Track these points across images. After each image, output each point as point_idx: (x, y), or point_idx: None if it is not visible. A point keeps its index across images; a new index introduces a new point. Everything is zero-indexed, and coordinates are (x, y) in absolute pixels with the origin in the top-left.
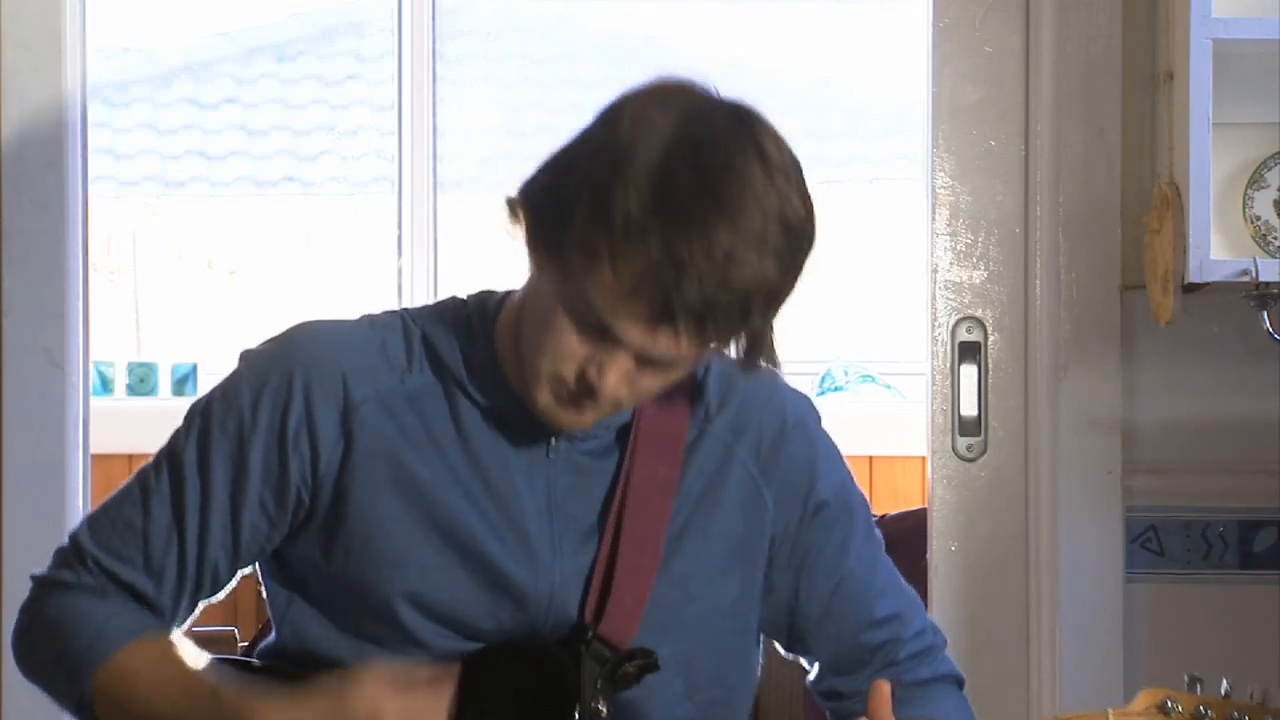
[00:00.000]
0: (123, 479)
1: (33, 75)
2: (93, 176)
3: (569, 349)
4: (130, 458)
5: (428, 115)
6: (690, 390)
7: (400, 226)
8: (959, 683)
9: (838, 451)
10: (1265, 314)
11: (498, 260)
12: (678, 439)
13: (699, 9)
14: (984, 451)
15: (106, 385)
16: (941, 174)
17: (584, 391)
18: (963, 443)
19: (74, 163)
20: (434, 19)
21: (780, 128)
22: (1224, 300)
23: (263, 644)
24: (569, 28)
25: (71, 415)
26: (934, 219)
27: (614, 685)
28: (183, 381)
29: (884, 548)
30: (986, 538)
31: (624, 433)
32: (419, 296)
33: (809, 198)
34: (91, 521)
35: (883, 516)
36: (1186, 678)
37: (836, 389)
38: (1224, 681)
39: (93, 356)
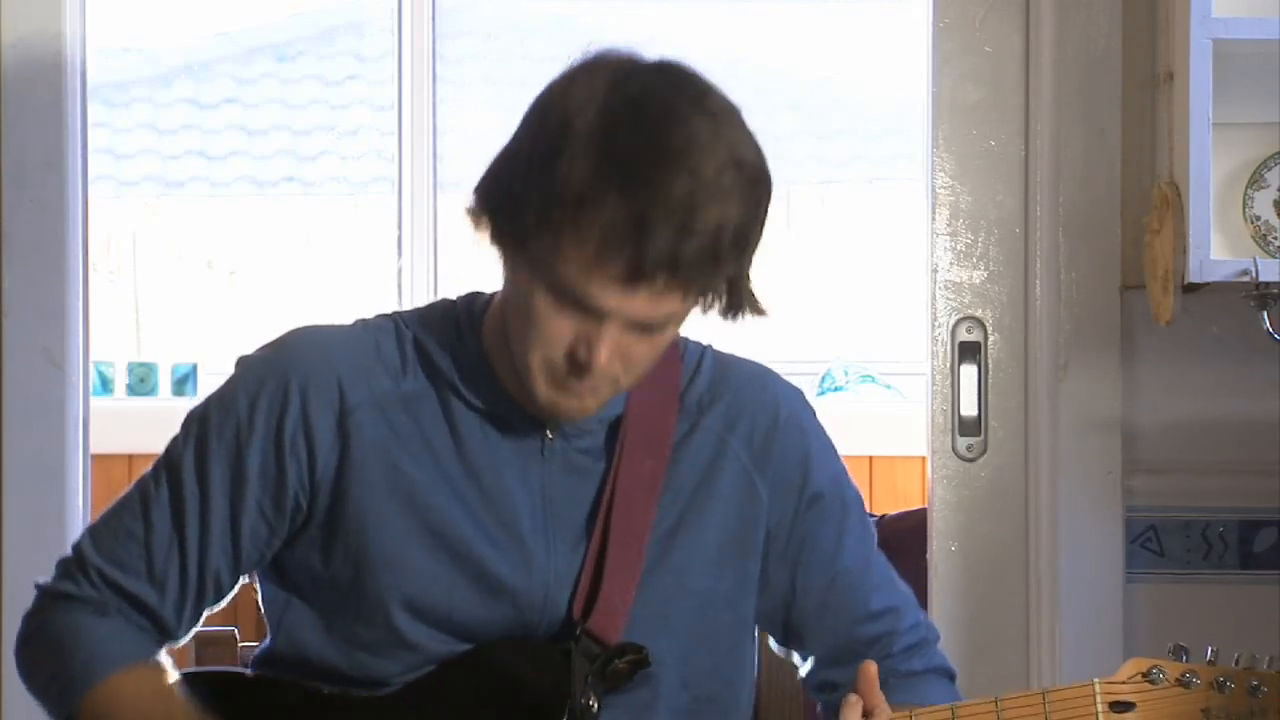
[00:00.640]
0: (123, 479)
1: (33, 75)
2: (93, 176)
3: (555, 332)
4: (130, 458)
5: (428, 115)
6: (678, 388)
7: (400, 227)
8: (950, 676)
9: (831, 444)
10: (1265, 314)
11: (498, 260)
12: (665, 437)
13: (699, 9)
14: (984, 451)
15: (106, 385)
16: (941, 174)
17: (578, 372)
18: (963, 443)
19: (74, 163)
20: (434, 19)
21: (780, 128)
22: (1224, 300)
23: (258, 650)
24: (569, 28)
25: (71, 415)
26: (934, 219)
27: (605, 682)
28: (183, 381)
29: (876, 542)
30: (986, 538)
31: (615, 432)
32: (419, 297)
33: (755, 141)
34: (93, 532)
35: (883, 516)
36: (1171, 647)
37: (836, 389)
38: (1209, 648)
39: (93, 356)
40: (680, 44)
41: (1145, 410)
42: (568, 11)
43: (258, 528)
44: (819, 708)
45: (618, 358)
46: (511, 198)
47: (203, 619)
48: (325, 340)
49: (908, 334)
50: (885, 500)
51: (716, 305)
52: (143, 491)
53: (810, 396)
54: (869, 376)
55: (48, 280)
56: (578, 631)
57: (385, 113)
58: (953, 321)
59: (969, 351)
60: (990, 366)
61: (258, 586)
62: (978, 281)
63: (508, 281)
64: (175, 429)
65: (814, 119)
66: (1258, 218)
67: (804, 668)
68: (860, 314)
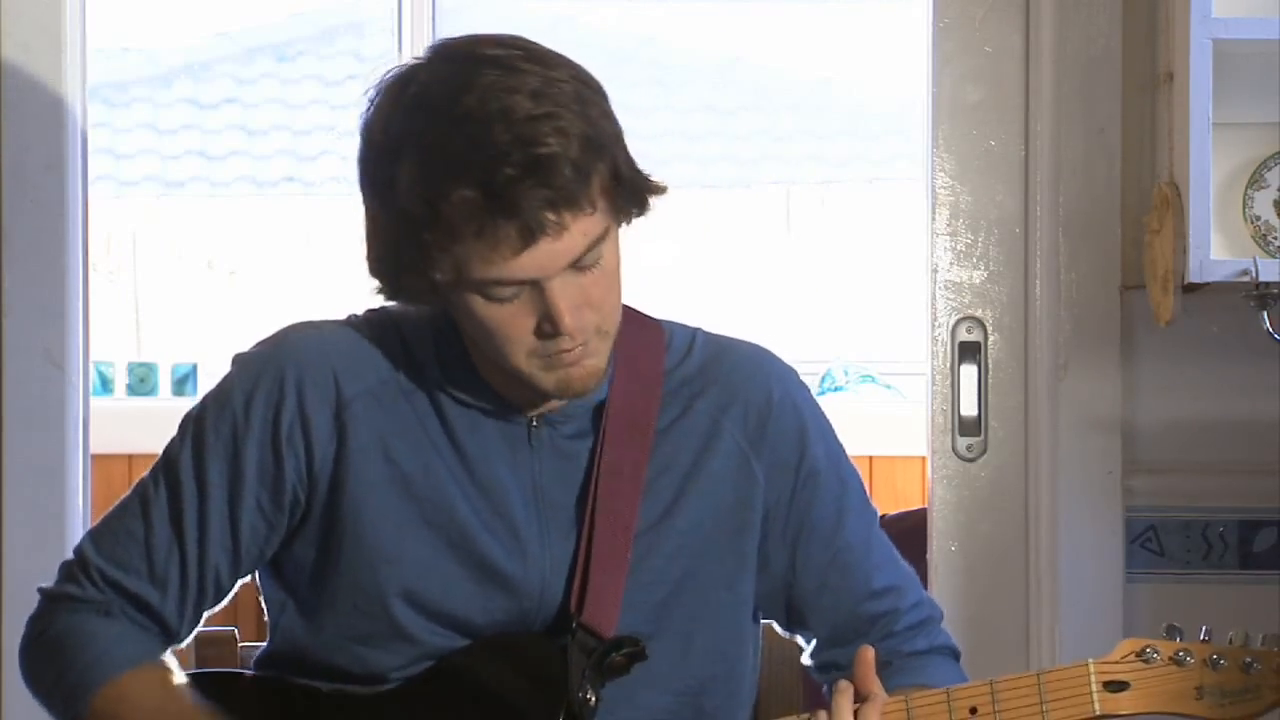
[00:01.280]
0: (123, 479)
1: (33, 75)
2: (93, 176)
3: (515, 327)
4: (130, 458)
5: None
6: (661, 372)
7: None
8: (955, 655)
9: (828, 423)
10: (1265, 314)
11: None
12: (648, 421)
13: (699, 9)
14: (984, 451)
15: (106, 385)
16: (941, 174)
17: (557, 338)
18: (963, 443)
19: (74, 163)
20: (434, 19)
21: (780, 128)
22: (1224, 300)
23: (259, 653)
24: (569, 28)
25: (71, 415)
26: (934, 219)
27: (602, 675)
28: (183, 381)
29: (879, 522)
30: (986, 538)
31: (600, 416)
32: None
33: (553, 56)
34: (94, 534)
35: (883, 516)
36: (1165, 626)
37: (836, 389)
38: (1203, 628)
39: (93, 356)
40: (680, 44)
41: (1145, 410)
42: (568, 11)
43: (257, 524)
44: (824, 689)
45: (583, 307)
46: (393, 252)
47: (204, 619)
48: (319, 335)
49: (908, 334)
50: (885, 500)
51: (622, 202)
52: (142, 492)
53: (795, 369)
54: (869, 376)
55: (48, 280)
56: (574, 625)
57: None
58: (953, 321)
59: (969, 351)
60: (990, 366)
61: (260, 586)
62: (978, 281)
63: (454, 311)
64: (175, 429)
65: (814, 119)
66: (1258, 218)
67: (808, 649)
68: (860, 314)
